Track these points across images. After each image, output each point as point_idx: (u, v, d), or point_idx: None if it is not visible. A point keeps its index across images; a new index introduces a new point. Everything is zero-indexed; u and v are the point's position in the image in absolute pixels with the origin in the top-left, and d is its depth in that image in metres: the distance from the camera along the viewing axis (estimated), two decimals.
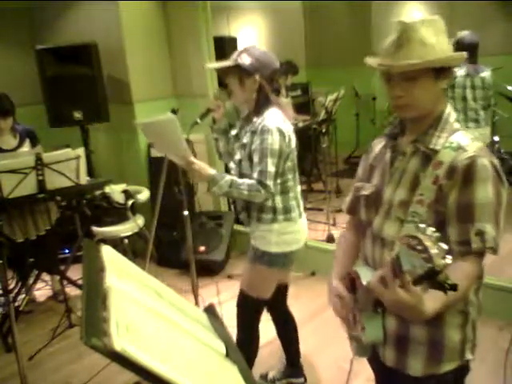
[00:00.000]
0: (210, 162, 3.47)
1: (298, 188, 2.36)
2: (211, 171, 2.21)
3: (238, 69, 2.15)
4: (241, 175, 2.24)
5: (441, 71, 1.32)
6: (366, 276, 1.32)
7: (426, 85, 1.33)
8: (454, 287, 1.03)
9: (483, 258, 1.31)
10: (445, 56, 1.32)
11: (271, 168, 2.13)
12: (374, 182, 1.50)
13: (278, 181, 2.22)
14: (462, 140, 1.34)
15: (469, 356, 1.43)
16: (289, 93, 6.50)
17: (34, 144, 3.52)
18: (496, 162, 1.32)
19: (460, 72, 4.18)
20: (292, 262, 2.41)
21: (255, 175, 2.14)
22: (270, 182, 2.13)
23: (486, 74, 4.23)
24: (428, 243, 1.01)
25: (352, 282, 1.41)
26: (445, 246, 1.01)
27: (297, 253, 2.37)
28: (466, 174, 1.28)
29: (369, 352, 1.51)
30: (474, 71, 4.21)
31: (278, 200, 2.26)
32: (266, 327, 2.61)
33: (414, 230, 1.06)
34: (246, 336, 2.42)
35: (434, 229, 1.05)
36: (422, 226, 1.06)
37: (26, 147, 3.47)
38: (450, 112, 1.40)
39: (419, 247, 1.02)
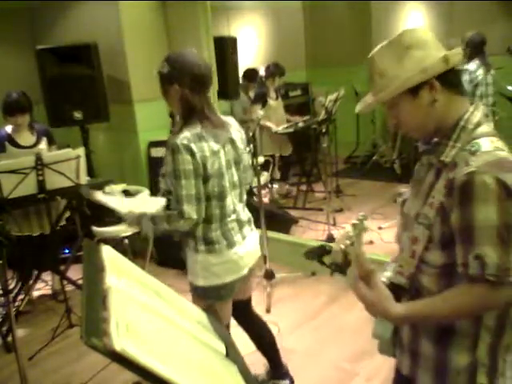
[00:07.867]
0: None
1: (233, 216, 2.12)
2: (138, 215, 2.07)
3: (160, 78, 2.06)
4: (169, 192, 2.06)
5: (417, 89, 1.25)
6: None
7: (407, 107, 1.28)
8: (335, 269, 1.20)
9: (500, 285, 1.15)
10: (400, 82, 1.25)
11: (184, 191, 1.93)
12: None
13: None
14: (472, 151, 1.20)
15: (482, 381, 1.28)
16: (289, 93, 6.53)
17: (50, 143, 3.56)
18: (507, 177, 1.15)
19: (479, 71, 4.18)
20: (231, 291, 2.16)
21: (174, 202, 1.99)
22: (186, 207, 1.93)
23: (493, 71, 4.25)
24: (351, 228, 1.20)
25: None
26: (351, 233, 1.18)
27: (238, 281, 2.14)
28: (463, 193, 1.17)
29: (391, 351, 1.48)
30: (486, 69, 4.21)
31: (199, 228, 2.05)
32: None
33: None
34: None
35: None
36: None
37: (43, 145, 3.51)
38: (469, 118, 1.26)
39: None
